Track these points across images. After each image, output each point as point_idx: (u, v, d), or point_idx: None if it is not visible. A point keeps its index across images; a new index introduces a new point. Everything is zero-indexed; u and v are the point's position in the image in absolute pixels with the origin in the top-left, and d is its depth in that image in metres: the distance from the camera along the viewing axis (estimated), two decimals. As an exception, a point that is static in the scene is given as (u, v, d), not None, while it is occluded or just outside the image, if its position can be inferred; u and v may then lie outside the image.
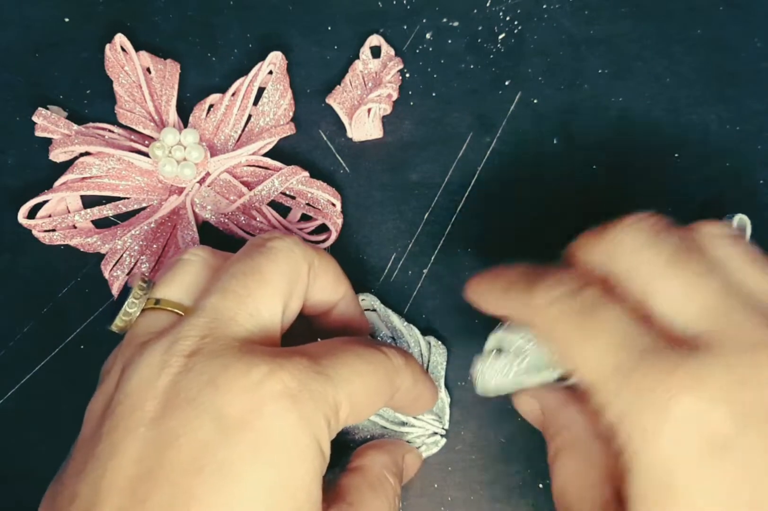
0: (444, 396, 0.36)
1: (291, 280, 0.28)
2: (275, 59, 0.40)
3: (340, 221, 0.38)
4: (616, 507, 0.25)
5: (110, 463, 0.23)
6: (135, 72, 0.40)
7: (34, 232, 0.38)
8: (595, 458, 0.27)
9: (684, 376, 0.22)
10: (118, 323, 0.28)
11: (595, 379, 0.24)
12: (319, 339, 0.29)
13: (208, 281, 0.28)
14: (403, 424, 0.35)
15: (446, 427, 0.36)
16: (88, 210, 0.38)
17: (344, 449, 0.34)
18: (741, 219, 0.35)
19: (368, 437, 0.35)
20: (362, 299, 0.37)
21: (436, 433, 0.35)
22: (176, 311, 0.28)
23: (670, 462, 0.22)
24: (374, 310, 0.37)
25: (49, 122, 0.39)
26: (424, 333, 0.37)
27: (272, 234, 0.29)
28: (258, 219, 0.38)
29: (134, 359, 0.26)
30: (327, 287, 0.30)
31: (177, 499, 0.22)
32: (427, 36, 0.42)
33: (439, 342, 0.37)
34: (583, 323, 0.25)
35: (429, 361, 0.36)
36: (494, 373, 0.31)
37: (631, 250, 0.26)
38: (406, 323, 0.37)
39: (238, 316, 0.26)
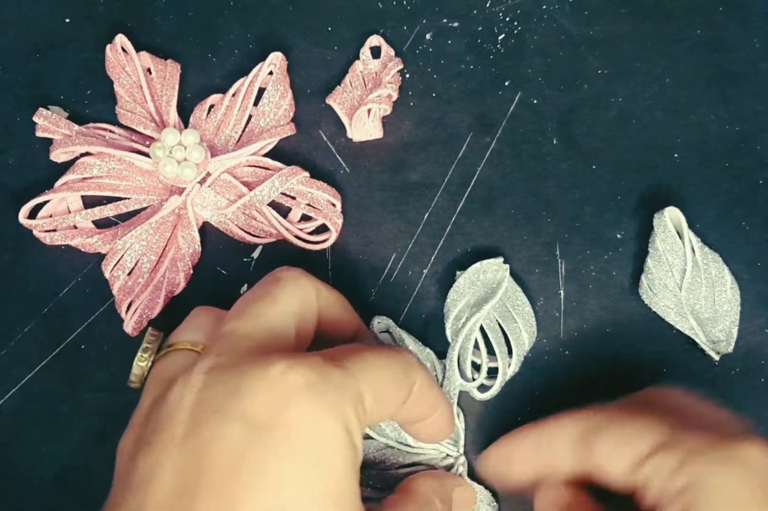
0: (459, 422, 0.35)
1: (301, 302, 0.29)
2: (275, 60, 0.40)
3: (340, 221, 0.38)
4: None
5: (150, 484, 0.24)
6: (135, 72, 0.40)
7: (35, 233, 0.38)
8: None
9: None
10: (132, 378, 0.30)
11: None
12: None
13: (216, 322, 0.30)
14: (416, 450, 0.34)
15: (461, 451, 0.35)
16: (89, 210, 0.38)
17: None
18: (671, 211, 0.36)
19: (391, 464, 0.34)
20: (378, 322, 0.36)
21: (449, 455, 0.35)
22: (194, 348, 0.29)
23: None
24: (389, 332, 0.36)
25: (49, 122, 0.39)
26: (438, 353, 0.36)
27: (280, 268, 0.31)
28: (258, 219, 0.38)
29: (165, 392, 0.26)
30: (340, 317, 0.32)
31: (220, 505, 0.23)
32: (427, 36, 0.42)
33: None
34: None
35: (443, 386, 0.35)
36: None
37: None
38: (421, 346, 0.36)
39: (252, 333, 0.27)
